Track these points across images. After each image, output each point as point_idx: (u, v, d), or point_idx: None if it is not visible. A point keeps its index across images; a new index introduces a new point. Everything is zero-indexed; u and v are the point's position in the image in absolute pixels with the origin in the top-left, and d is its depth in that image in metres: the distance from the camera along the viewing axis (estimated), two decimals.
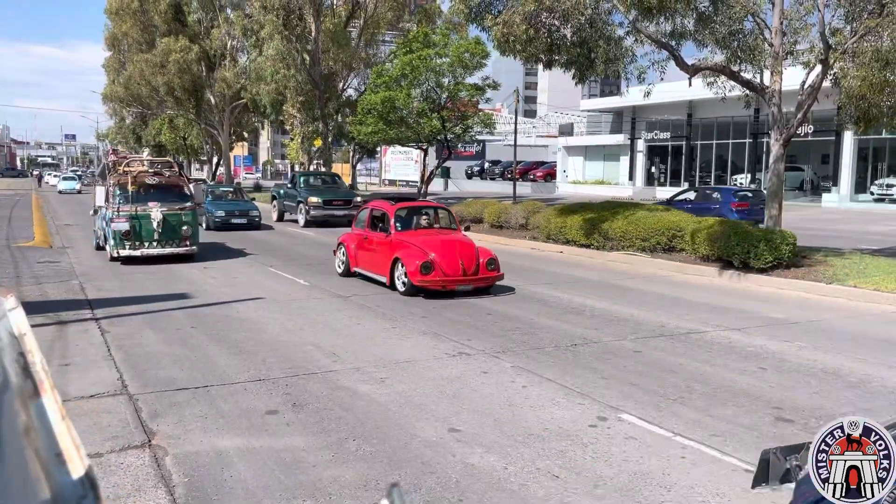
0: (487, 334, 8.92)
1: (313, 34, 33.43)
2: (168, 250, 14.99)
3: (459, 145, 34.85)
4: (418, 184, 35.09)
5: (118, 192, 14.87)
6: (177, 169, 16.94)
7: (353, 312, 10.27)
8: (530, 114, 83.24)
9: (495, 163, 59.81)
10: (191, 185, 16.46)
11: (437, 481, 4.69)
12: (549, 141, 61.02)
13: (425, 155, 34.47)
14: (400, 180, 60.08)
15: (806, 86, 14.33)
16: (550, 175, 53.67)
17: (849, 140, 32.91)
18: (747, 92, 15.91)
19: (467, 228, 13.94)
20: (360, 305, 10.80)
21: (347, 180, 52.55)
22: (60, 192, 53.32)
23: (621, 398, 6.45)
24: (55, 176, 77.01)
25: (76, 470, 0.83)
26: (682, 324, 9.64)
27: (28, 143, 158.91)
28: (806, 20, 15.09)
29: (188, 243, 15.29)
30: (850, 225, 24.15)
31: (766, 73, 15.05)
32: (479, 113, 32.27)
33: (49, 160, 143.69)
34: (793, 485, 2.49)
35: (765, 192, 17.23)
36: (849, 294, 11.61)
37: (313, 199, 24.47)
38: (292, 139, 38.23)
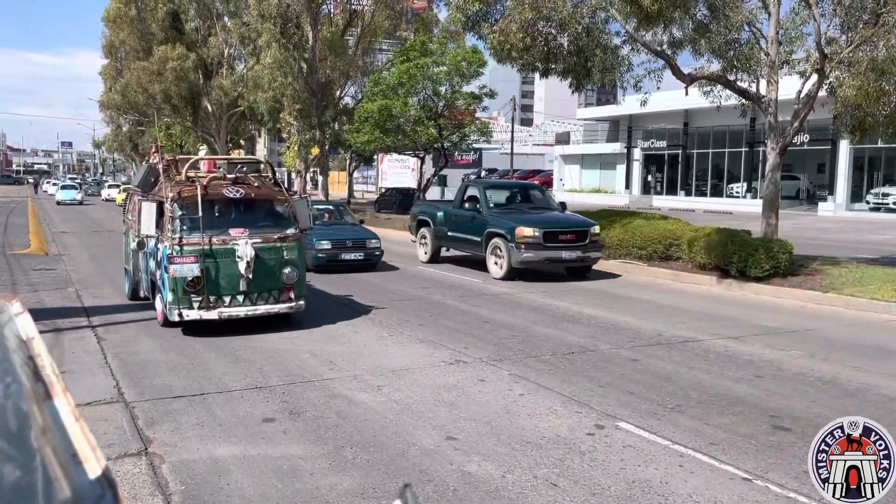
0: (484, 342, 8.92)
1: (310, 42, 33.50)
2: (262, 309, 9.24)
3: (456, 153, 34.89)
4: (415, 191, 35.10)
5: (180, 213, 9.11)
6: (270, 174, 10.70)
7: (349, 320, 10.26)
8: (527, 122, 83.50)
9: (492, 171, 59.81)
10: (292, 200, 10.41)
11: (435, 489, 4.68)
12: (546, 149, 61.21)
13: (422, 163, 34.52)
14: (397, 188, 60.14)
15: (802, 95, 14.40)
16: (547, 183, 53.68)
17: (844, 149, 33.05)
18: (743, 101, 15.98)
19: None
20: (356, 313, 10.78)
21: (343, 189, 52.70)
22: (59, 202, 47.18)
23: (619, 406, 6.44)
24: (53, 184, 69.72)
25: (93, 470, 0.84)
26: (679, 332, 9.64)
27: (24, 150, 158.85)
28: (802, 30, 15.19)
29: (292, 296, 9.45)
30: (846, 234, 24.22)
31: (763, 83, 15.13)
32: (476, 121, 32.35)
33: (45, 167, 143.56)
34: None
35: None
36: (845, 303, 11.63)
37: (527, 232, 13.91)
38: (289, 147, 38.28)
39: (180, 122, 49.12)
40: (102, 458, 0.87)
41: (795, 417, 6.19)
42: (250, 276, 9.03)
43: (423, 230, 17.46)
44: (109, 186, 60.01)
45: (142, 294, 10.70)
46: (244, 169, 10.44)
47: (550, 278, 14.57)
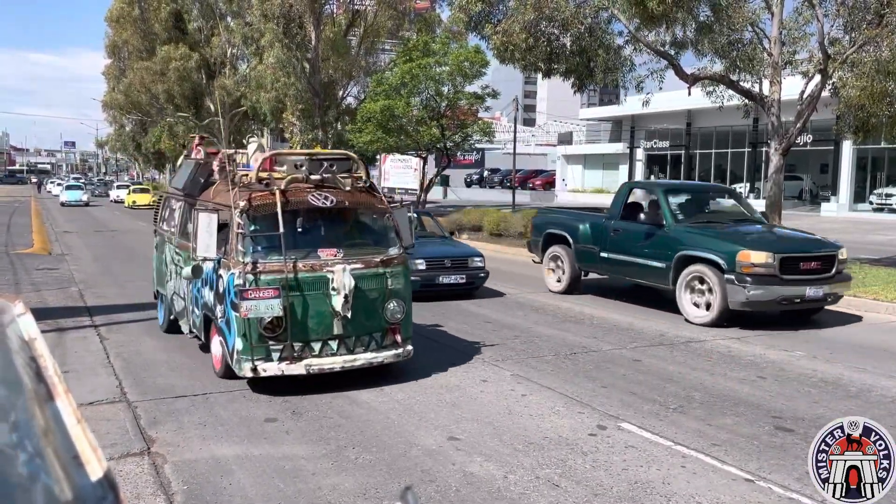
0: (486, 342, 8.91)
1: (313, 42, 33.52)
2: (363, 358, 6.95)
3: (459, 154, 34.89)
4: (417, 192, 35.12)
5: (252, 228, 6.85)
6: (363, 173, 7.83)
7: None
8: (529, 122, 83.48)
9: (494, 171, 59.92)
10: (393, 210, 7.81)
11: (437, 489, 4.68)
12: (548, 149, 61.24)
13: (424, 163, 34.50)
14: (399, 188, 60.21)
15: (805, 95, 14.39)
16: (549, 183, 53.78)
17: (848, 149, 33.00)
18: (746, 101, 15.97)
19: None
20: None
21: None
22: (64, 204, 44.07)
23: (621, 407, 6.44)
24: (58, 184, 65.57)
25: (94, 472, 0.83)
26: (681, 333, 9.63)
27: (27, 149, 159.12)
28: (805, 30, 15.20)
29: (398, 339, 7.24)
30: (849, 234, 24.15)
31: (766, 83, 15.11)
32: (479, 121, 32.34)
33: (48, 167, 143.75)
34: None
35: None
36: (848, 303, 11.59)
37: (758, 258, 9.65)
38: (292, 147, 38.26)
39: (183, 122, 49.16)
40: (104, 459, 0.87)
41: (798, 418, 6.18)
42: (348, 313, 6.74)
43: (556, 249, 12.83)
44: (118, 187, 55.28)
45: (185, 330, 8.30)
46: (333, 167, 7.47)
47: (779, 323, 10.27)
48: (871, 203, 33.22)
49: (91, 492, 0.83)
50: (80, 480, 0.83)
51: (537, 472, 4.99)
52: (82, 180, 73.51)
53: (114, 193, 52.41)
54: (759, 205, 26.36)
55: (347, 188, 7.36)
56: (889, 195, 32.36)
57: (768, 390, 7.02)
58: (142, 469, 4.98)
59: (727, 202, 13.13)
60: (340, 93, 38.85)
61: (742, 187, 38.89)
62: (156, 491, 4.63)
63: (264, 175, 7.22)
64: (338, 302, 6.69)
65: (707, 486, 4.80)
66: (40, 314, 10.17)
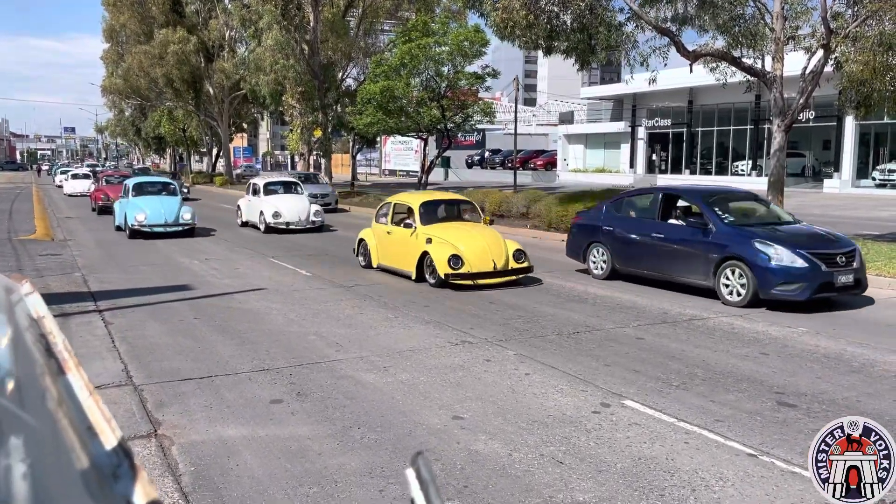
0: (490, 323, 8.94)
1: (312, 24, 33.29)
2: None
3: (459, 134, 34.80)
4: (419, 174, 35.05)
5: None
6: None
7: (355, 302, 10.29)
8: (530, 102, 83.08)
9: (495, 152, 59.74)
10: None
11: (442, 468, 4.72)
12: (550, 129, 61.01)
13: (425, 145, 34.39)
14: (400, 170, 60.12)
15: (807, 71, 14.29)
16: (551, 163, 53.63)
17: (850, 125, 32.83)
18: (749, 78, 15.87)
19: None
20: (362, 296, 10.81)
21: (347, 171, 52.61)
22: (137, 230, 18.11)
23: (624, 385, 6.47)
24: (73, 175, 41.46)
25: (108, 441, 0.85)
26: (683, 310, 9.65)
27: (27, 136, 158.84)
28: (807, 4, 15.07)
29: None
30: (852, 211, 24.12)
31: (768, 59, 15.01)
32: (479, 102, 32.18)
33: (49, 153, 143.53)
34: None
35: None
36: None
37: None
38: (292, 130, 38.15)
39: (182, 106, 48.99)
40: (118, 429, 0.88)
41: (801, 394, 6.20)
42: None
43: None
44: (268, 188, 21.19)
45: None
46: None
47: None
48: (873, 179, 33.09)
49: (106, 460, 0.84)
50: (96, 449, 0.84)
51: (541, 449, 5.03)
52: (114, 164, 63.47)
53: (249, 204, 21.51)
54: (761, 182, 26.30)
55: None
56: (892, 171, 32.22)
57: (771, 366, 7.04)
58: (149, 451, 5.02)
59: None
60: (340, 74, 38.65)
61: (744, 164, 38.77)
62: (164, 472, 4.67)
63: None
64: None
65: (710, 461, 4.83)
66: (44, 300, 10.20)
